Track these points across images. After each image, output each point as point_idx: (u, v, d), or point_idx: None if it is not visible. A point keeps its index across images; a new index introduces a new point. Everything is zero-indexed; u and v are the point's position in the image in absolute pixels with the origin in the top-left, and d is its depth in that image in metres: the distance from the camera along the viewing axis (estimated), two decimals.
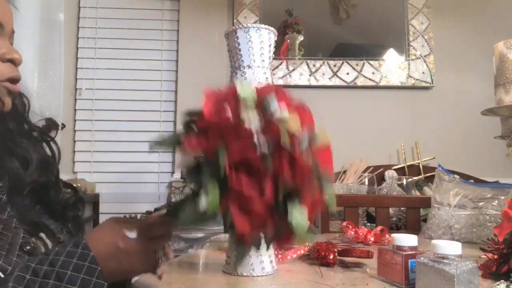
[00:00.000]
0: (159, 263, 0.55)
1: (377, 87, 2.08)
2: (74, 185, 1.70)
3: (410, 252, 0.63)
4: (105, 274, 0.48)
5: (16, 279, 0.44)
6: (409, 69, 2.08)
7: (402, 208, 1.51)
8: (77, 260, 0.47)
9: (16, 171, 0.57)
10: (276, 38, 0.77)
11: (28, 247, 0.51)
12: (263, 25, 0.73)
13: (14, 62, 0.58)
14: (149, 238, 0.52)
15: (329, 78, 2.05)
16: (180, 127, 0.51)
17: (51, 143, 0.70)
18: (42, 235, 0.57)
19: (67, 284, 0.46)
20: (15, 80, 0.58)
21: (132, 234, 0.50)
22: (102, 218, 1.96)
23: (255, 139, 0.44)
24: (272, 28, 0.75)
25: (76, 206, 0.68)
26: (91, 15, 2.11)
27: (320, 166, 0.47)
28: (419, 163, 1.99)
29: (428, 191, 1.76)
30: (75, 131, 2.06)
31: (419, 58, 2.08)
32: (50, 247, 0.56)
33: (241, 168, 0.43)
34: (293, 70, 2.06)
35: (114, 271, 0.50)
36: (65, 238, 0.62)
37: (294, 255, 0.82)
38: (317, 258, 0.78)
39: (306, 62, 2.07)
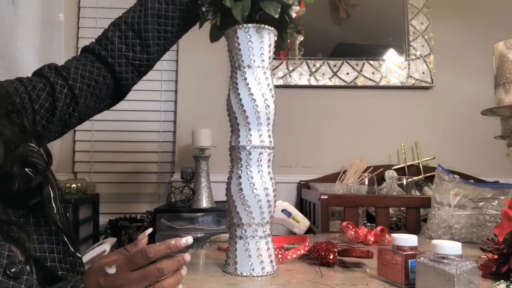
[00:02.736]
0: None
1: (377, 87, 2.08)
2: (74, 185, 1.70)
3: (410, 252, 0.63)
4: None
5: None
6: (409, 69, 2.08)
7: (402, 208, 1.51)
8: None
9: None
10: (276, 38, 0.77)
11: (13, 270, 0.46)
12: (263, 25, 0.73)
13: None
14: (130, 271, 0.49)
15: (329, 78, 2.05)
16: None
17: (20, 114, 0.62)
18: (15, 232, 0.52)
19: None
20: None
21: (111, 270, 0.48)
22: (102, 218, 1.96)
23: None
24: (272, 28, 0.75)
25: (40, 189, 0.59)
26: (91, 15, 2.11)
27: None
28: (419, 163, 1.99)
29: (428, 191, 1.76)
30: (75, 131, 2.06)
31: (419, 58, 2.08)
32: (27, 248, 0.52)
33: None
34: (293, 70, 2.06)
35: None
36: (34, 226, 0.57)
37: (294, 255, 0.82)
38: (317, 258, 0.78)
39: (306, 62, 2.07)
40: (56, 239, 0.59)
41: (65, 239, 0.60)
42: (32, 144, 0.62)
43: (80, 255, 0.64)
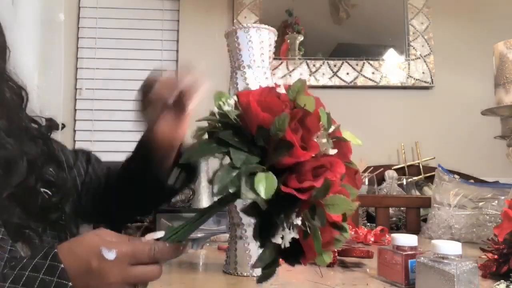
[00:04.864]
0: None
1: (377, 87, 2.08)
2: None
3: (410, 252, 0.63)
4: None
5: None
6: (409, 69, 2.08)
7: (402, 208, 1.51)
8: (44, 275, 0.40)
9: None
10: (276, 38, 0.77)
11: (13, 263, 0.46)
12: (263, 25, 0.73)
13: None
14: (130, 265, 0.42)
15: (329, 78, 2.05)
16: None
17: (47, 141, 0.68)
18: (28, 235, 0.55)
19: None
20: None
21: (110, 255, 0.41)
22: None
23: None
24: (272, 28, 0.75)
25: (60, 205, 0.64)
26: (91, 15, 2.11)
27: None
28: (419, 163, 1.99)
29: (428, 191, 1.76)
30: (75, 131, 2.06)
31: (419, 58, 2.08)
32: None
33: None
34: (293, 70, 2.06)
35: None
36: (51, 237, 0.61)
37: None
38: None
39: (306, 62, 2.07)
40: None
41: None
42: (50, 169, 0.67)
43: None
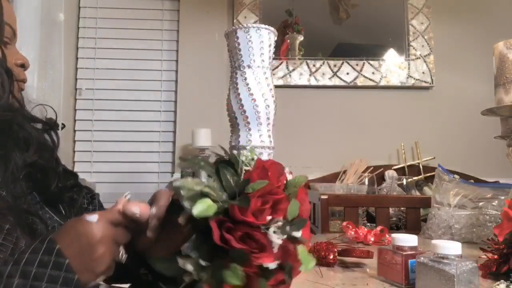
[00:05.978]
0: (120, 258, 0.50)
1: (377, 87, 2.08)
2: None
3: (410, 252, 0.63)
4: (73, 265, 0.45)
5: None
6: (409, 69, 2.08)
7: (402, 208, 1.51)
8: (42, 256, 0.44)
9: (16, 161, 0.58)
10: (276, 38, 0.77)
11: (16, 256, 0.48)
12: (263, 25, 0.73)
13: (24, 66, 0.67)
14: (113, 225, 0.49)
15: (329, 78, 2.05)
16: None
17: (52, 132, 0.71)
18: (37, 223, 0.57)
19: (33, 281, 0.43)
20: (24, 81, 0.67)
21: (92, 218, 0.47)
22: None
23: None
24: (272, 28, 0.75)
25: (74, 190, 0.69)
26: (91, 15, 2.11)
27: None
28: (419, 163, 1.99)
29: (428, 191, 1.76)
30: (75, 131, 2.06)
31: (419, 58, 2.08)
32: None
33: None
34: (293, 70, 2.06)
35: (76, 261, 0.46)
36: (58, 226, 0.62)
37: None
38: (317, 258, 0.78)
39: (306, 62, 2.07)
40: None
41: None
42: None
43: None
